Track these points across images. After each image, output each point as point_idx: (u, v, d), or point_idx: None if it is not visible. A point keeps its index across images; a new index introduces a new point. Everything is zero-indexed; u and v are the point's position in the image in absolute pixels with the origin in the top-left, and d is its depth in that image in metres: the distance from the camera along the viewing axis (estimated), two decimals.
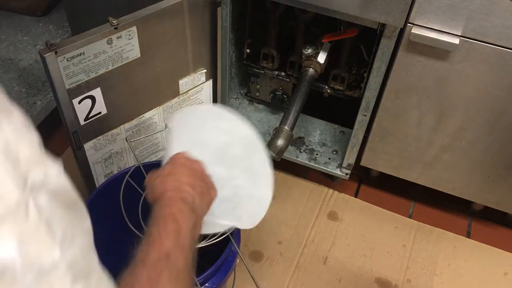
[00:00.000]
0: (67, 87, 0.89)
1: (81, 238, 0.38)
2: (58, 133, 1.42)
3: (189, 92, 1.15)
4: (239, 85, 1.44)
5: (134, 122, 1.08)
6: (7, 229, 0.30)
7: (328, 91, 1.27)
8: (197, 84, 1.16)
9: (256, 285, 0.79)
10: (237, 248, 0.87)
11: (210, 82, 1.19)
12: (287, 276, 1.18)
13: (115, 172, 1.13)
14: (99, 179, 1.11)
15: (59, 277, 0.33)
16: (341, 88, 1.25)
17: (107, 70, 0.93)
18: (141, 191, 0.82)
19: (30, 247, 0.31)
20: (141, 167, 0.92)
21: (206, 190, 0.68)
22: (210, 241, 0.79)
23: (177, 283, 0.56)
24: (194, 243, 0.63)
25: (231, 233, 0.85)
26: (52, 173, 0.36)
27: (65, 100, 0.90)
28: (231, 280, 0.96)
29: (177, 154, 0.71)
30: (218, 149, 0.82)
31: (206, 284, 0.84)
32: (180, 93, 1.14)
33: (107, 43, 0.90)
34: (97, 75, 0.92)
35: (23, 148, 0.35)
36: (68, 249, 0.35)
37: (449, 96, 1.03)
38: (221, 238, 0.81)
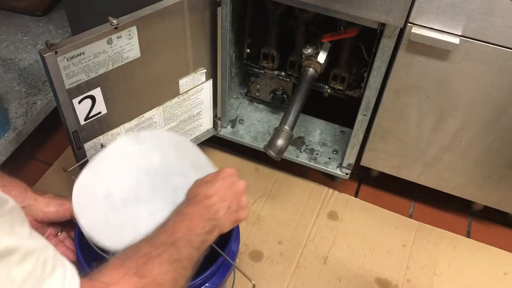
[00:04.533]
0: (67, 87, 0.89)
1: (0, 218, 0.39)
2: (58, 133, 1.43)
3: (189, 92, 1.15)
4: (239, 85, 1.44)
5: (134, 122, 1.08)
6: None
7: (328, 91, 1.27)
8: (197, 84, 1.16)
9: (249, 280, 0.80)
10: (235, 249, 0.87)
11: (210, 82, 1.19)
12: (287, 276, 1.18)
13: None
14: None
15: None
16: (341, 88, 1.25)
17: (107, 70, 0.93)
18: None
19: None
20: None
21: (236, 208, 0.73)
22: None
23: (174, 268, 0.60)
24: (203, 247, 0.67)
25: (230, 233, 0.85)
26: None
27: (65, 100, 0.90)
28: (231, 280, 0.96)
29: (226, 168, 0.77)
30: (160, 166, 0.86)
31: (206, 284, 0.84)
32: (180, 93, 1.14)
33: (107, 43, 0.90)
34: (97, 75, 0.92)
35: None
36: None
37: (449, 96, 1.03)
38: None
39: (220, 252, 0.82)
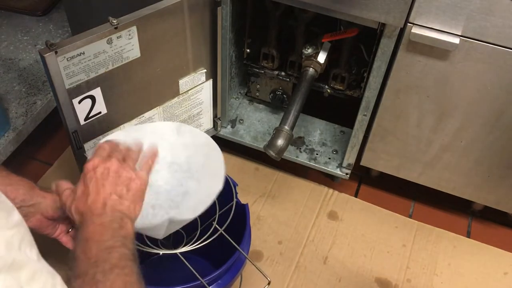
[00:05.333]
0: (67, 87, 0.89)
1: (8, 231, 0.38)
2: (58, 133, 1.43)
3: (189, 91, 1.15)
4: (239, 85, 1.44)
5: (134, 122, 1.08)
6: None
7: (328, 91, 1.27)
8: (197, 83, 1.16)
9: (266, 277, 0.82)
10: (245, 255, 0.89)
11: (210, 81, 1.19)
12: (287, 276, 1.18)
13: None
14: None
15: None
16: (341, 88, 1.25)
17: (107, 70, 0.93)
18: None
19: None
20: None
21: (125, 190, 0.70)
22: (196, 245, 0.83)
23: (112, 275, 0.59)
24: (127, 241, 0.65)
25: (240, 240, 0.88)
26: None
27: (65, 100, 0.90)
28: (238, 282, 0.97)
29: (88, 163, 0.71)
30: (182, 166, 0.88)
31: (219, 281, 0.85)
32: (180, 92, 1.14)
33: (107, 43, 0.90)
34: (97, 75, 0.92)
35: None
36: None
37: (449, 96, 1.03)
38: (208, 241, 0.83)
39: (237, 247, 0.84)
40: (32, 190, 0.77)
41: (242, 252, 0.87)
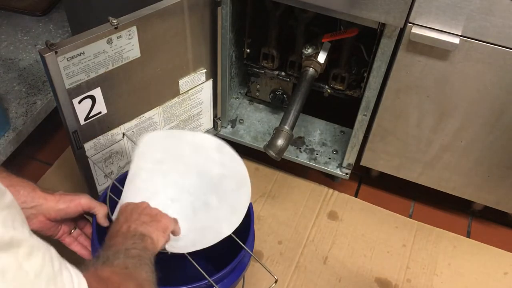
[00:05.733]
0: (67, 87, 0.89)
1: (0, 212, 0.39)
2: (58, 133, 1.42)
3: (189, 91, 1.15)
4: (239, 85, 1.44)
5: (134, 122, 1.08)
6: None
7: (328, 91, 1.27)
8: (197, 83, 1.16)
9: (272, 275, 0.83)
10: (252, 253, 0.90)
11: (210, 81, 1.19)
12: (287, 276, 1.18)
13: (115, 172, 1.13)
14: (99, 179, 1.11)
15: None
16: (341, 88, 1.25)
17: (107, 70, 0.94)
18: None
19: None
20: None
21: (151, 219, 0.76)
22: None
23: (127, 259, 0.64)
24: (146, 250, 0.70)
25: (245, 239, 0.89)
26: None
27: (65, 100, 0.90)
28: (240, 283, 0.97)
29: (121, 206, 0.79)
30: (213, 178, 0.90)
31: (219, 284, 0.84)
32: (180, 92, 1.14)
33: (107, 43, 0.90)
34: (97, 75, 0.92)
35: None
36: None
37: (449, 96, 1.03)
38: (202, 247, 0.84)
39: (243, 246, 0.85)
40: (33, 192, 0.78)
41: (248, 250, 0.87)
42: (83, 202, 0.82)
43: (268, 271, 0.85)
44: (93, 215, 0.85)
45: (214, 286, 0.80)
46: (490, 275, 1.21)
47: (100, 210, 0.84)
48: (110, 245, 0.70)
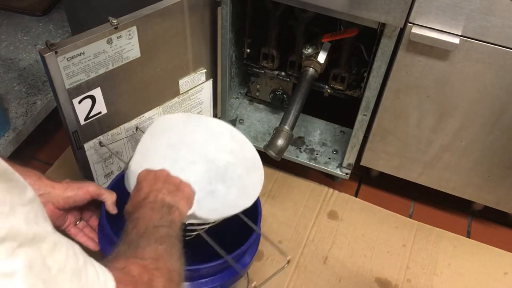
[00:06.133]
0: (67, 87, 0.89)
1: (23, 207, 0.38)
2: (58, 133, 1.43)
3: (189, 91, 1.15)
4: (239, 85, 1.44)
5: (134, 122, 1.08)
6: None
7: (328, 90, 1.27)
8: (197, 83, 1.16)
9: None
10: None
11: (210, 81, 1.19)
12: (287, 276, 1.18)
13: (115, 172, 1.13)
14: (99, 179, 1.11)
15: None
16: (341, 87, 1.25)
17: (107, 70, 0.94)
18: None
19: None
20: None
21: (174, 188, 0.75)
22: (214, 223, 0.84)
23: (161, 243, 0.63)
24: (174, 226, 0.69)
25: (253, 217, 0.91)
26: None
27: (65, 100, 0.90)
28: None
29: (141, 172, 0.78)
30: (220, 167, 0.89)
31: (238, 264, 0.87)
32: (180, 92, 1.14)
33: (107, 43, 0.90)
34: (97, 75, 0.92)
35: None
36: (6, 220, 0.35)
37: (449, 96, 1.03)
38: (211, 224, 0.84)
39: (252, 226, 0.87)
40: (39, 180, 0.78)
41: (256, 228, 0.88)
42: (91, 189, 0.82)
43: (280, 252, 0.85)
44: (101, 203, 0.85)
45: (230, 266, 0.81)
46: (490, 275, 1.21)
47: (109, 197, 0.84)
48: (137, 218, 0.68)
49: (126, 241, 0.64)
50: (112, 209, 0.84)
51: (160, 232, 0.65)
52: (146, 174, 0.77)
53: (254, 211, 0.91)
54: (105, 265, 0.51)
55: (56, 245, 0.42)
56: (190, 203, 0.76)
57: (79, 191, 0.81)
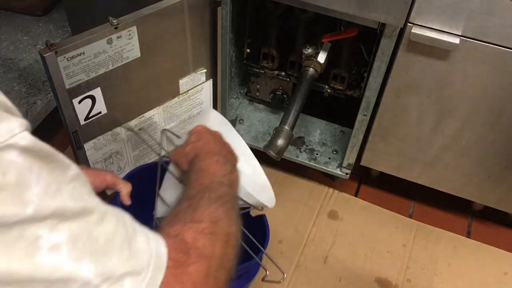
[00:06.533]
0: (67, 87, 0.89)
1: (68, 185, 0.39)
2: (58, 133, 1.42)
3: (189, 91, 1.15)
4: (239, 84, 1.44)
5: (134, 122, 1.08)
6: None
7: (328, 90, 1.27)
8: (197, 83, 1.16)
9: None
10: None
11: (210, 81, 1.19)
12: (287, 275, 1.17)
13: (115, 172, 1.13)
14: None
15: (33, 229, 0.34)
16: (341, 87, 1.25)
17: (107, 70, 0.94)
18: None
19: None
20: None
21: (230, 151, 0.75)
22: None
23: (220, 204, 0.61)
24: (234, 185, 0.69)
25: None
26: (20, 132, 0.36)
27: (65, 100, 0.90)
28: None
29: (197, 126, 0.77)
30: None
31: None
32: (180, 92, 1.14)
33: (107, 43, 0.90)
34: (97, 75, 0.92)
35: None
36: (53, 200, 0.36)
37: (449, 96, 1.03)
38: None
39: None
40: None
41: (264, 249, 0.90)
42: (108, 178, 0.82)
43: (279, 268, 0.87)
44: (116, 193, 0.85)
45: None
46: (490, 275, 1.21)
47: (124, 188, 0.84)
48: (201, 170, 0.67)
49: (187, 195, 0.63)
50: (127, 199, 0.84)
51: (221, 190, 0.64)
52: (204, 128, 0.76)
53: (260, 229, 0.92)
54: (160, 231, 0.51)
55: (105, 215, 0.42)
56: (235, 168, 0.75)
57: (97, 178, 0.81)
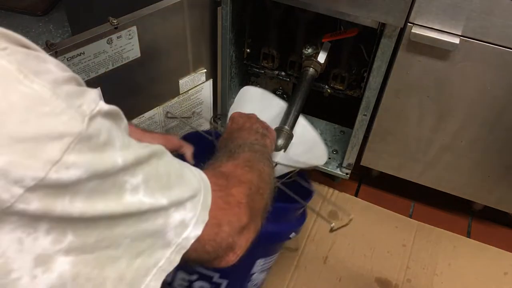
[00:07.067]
0: None
1: (129, 137, 0.44)
2: None
3: (189, 91, 1.15)
4: (239, 84, 1.44)
5: (134, 122, 1.08)
6: (81, 158, 0.36)
7: (328, 90, 1.27)
8: (197, 83, 1.16)
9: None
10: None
11: (210, 81, 1.19)
12: (287, 275, 1.18)
13: None
14: None
15: (122, 176, 0.40)
16: (341, 87, 1.25)
17: (107, 70, 0.94)
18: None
19: (98, 164, 0.38)
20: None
21: (265, 127, 0.83)
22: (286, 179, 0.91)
23: (250, 152, 0.68)
24: (266, 151, 0.75)
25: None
26: (100, 100, 0.42)
27: None
28: None
29: (233, 113, 0.86)
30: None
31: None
32: (180, 92, 1.14)
33: (107, 43, 0.90)
34: (97, 75, 0.92)
35: (68, 86, 0.42)
36: (130, 149, 0.42)
37: (449, 96, 1.03)
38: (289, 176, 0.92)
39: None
40: (137, 129, 0.83)
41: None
42: (175, 141, 0.87)
43: (326, 221, 0.97)
44: (179, 155, 0.88)
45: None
46: (490, 275, 1.21)
47: (188, 150, 0.89)
48: (235, 138, 0.75)
49: (222, 150, 0.71)
50: (191, 159, 0.89)
51: (254, 148, 0.72)
52: (239, 114, 0.85)
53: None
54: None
55: (162, 154, 0.47)
56: (273, 143, 0.84)
57: (167, 143, 0.84)
